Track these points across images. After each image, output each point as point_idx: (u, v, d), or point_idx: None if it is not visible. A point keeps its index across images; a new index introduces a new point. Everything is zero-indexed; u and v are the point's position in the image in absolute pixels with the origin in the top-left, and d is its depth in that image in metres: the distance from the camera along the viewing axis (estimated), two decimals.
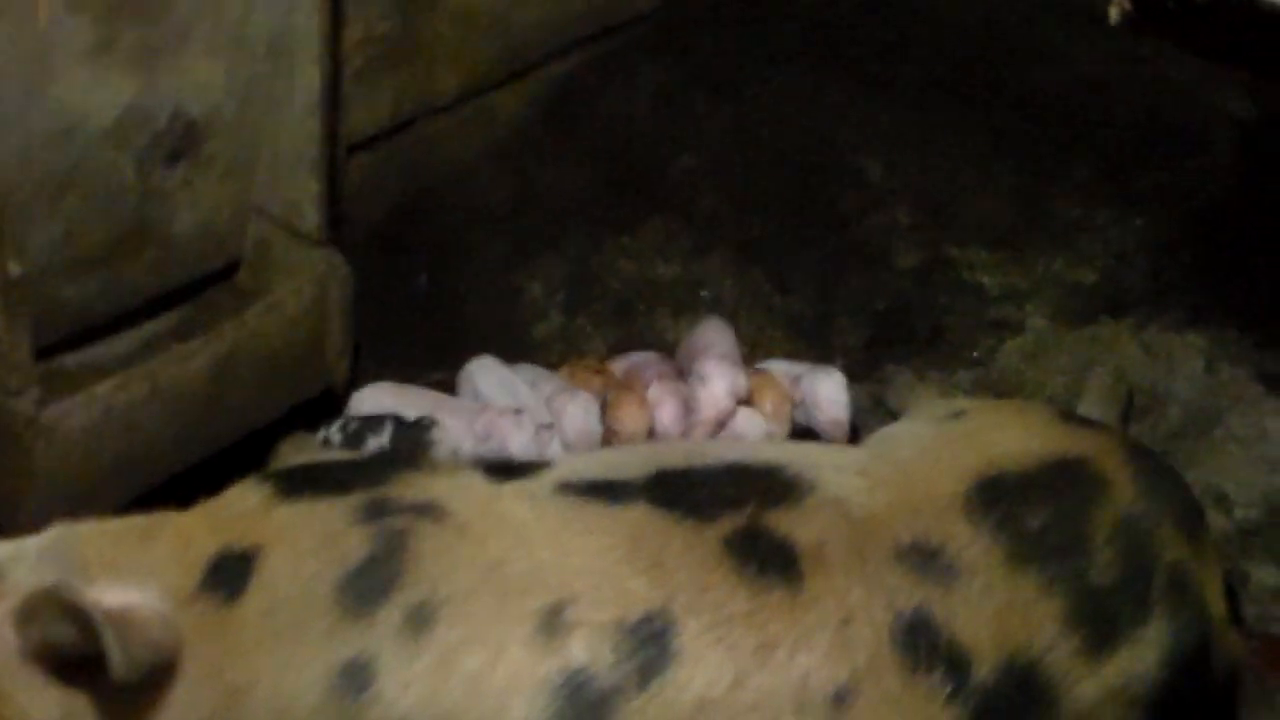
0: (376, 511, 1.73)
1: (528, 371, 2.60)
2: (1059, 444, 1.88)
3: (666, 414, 2.39)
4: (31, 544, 1.80)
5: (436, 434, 2.35)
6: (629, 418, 2.39)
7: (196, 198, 2.28)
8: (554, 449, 2.34)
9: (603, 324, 2.85)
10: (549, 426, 2.38)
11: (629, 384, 2.50)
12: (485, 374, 2.55)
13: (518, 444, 2.34)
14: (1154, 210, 2.86)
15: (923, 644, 1.64)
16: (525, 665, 1.60)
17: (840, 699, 1.60)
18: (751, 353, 2.67)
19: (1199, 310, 2.68)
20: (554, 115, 3.14)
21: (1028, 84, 3.10)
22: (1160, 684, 1.71)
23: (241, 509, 1.79)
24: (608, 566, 1.67)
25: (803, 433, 2.45)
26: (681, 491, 1.78)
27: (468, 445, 2.36)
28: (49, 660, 1.63)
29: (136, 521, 1.84)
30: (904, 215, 2.91)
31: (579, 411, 2.41)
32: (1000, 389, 2.59)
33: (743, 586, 1.66)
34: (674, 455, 1.93)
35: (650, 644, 1.61)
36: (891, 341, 2.69)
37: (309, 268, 2.37)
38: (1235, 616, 1.90)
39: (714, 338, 2.59)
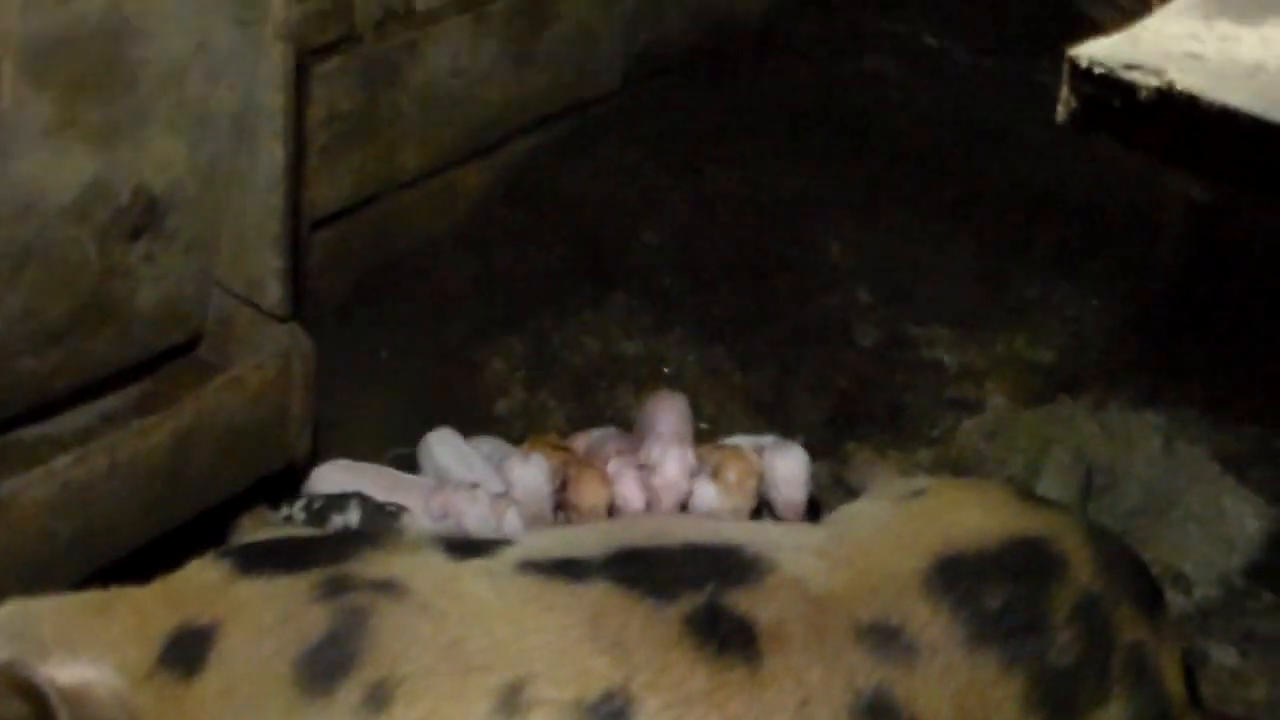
0: (336, 589, 1.73)
1: (487, 444, 2.60)
2: (1018, 523, 1.89)
3: (627, 490, 2.39)
4: None
5: (406, 520, 2.34)
6: (589, 493, 2.39)
7: (158, 273, 2.27)
8: (510, 520, 2.34)
9: (564, 400, 2.85)
10: (504, 498, 2.38)
11: (589, 460, 2.50)
12: (443, 446, 2.55)
13: (474, 519, 2.33)
14: (1110, 290, 2.89)
15: None
16: None
17: None
18: (712, 429, 2.68)
19: (1156, 390, 2.71)
20: (516, 192, 3.15)
21: (985, 166, 3.14)
22: None
23: (200, 584, 1.78)
24: (568, 645, 1.67)
25: (766, 504, 2.45)
26: (642, 570, 1.78)
27: (425, 523, 2.36)
28: None
29: (93, 597, 1.82)
30: (864, 293, 2.93)
31: (529, 473, 2.41)
32: (959, 467, 2.60)
33: (702, 665, 1.66)
34: (635, 534, 1.94)
35: None
36: (851, 419, 2.71)
37: (271, 343, 2.37)
38: (1194, 696, 1.91)
39: (664, 412, 2.59)
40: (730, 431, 2.69)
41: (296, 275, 2.47)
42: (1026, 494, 2.11)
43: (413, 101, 2.79)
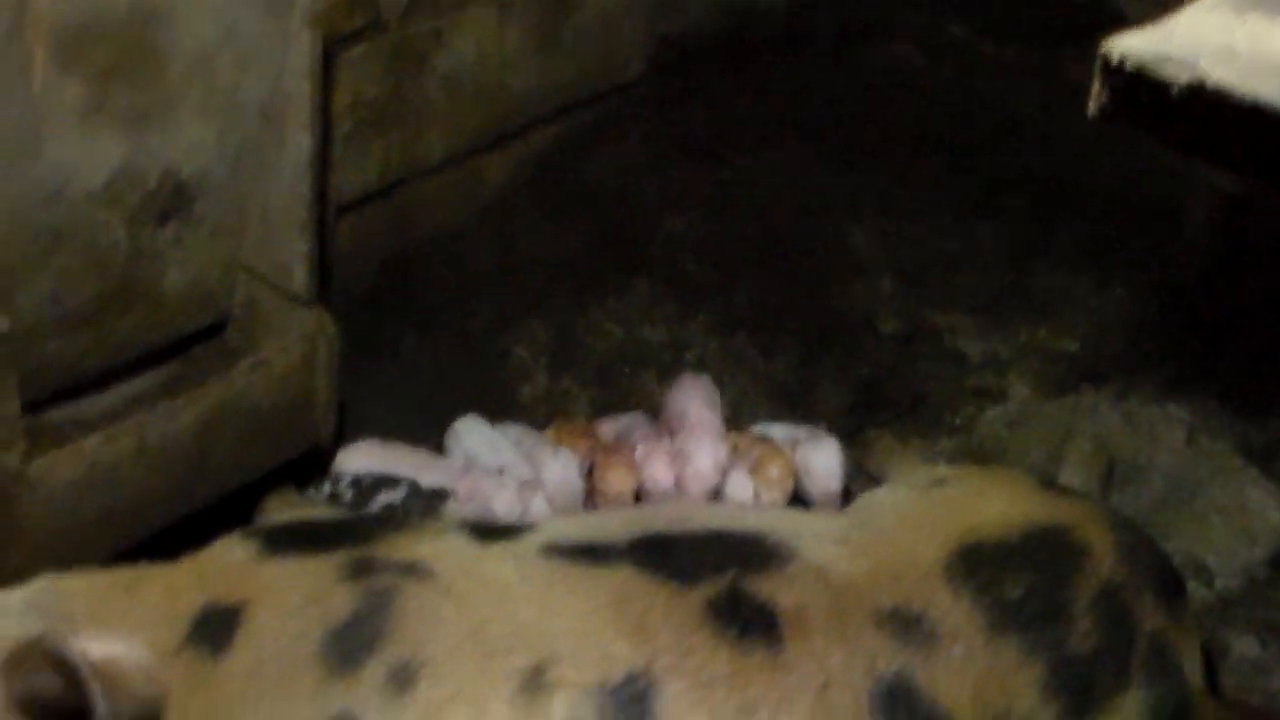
0: (362, 570, 1.74)
1: (513, 431, 2.61)
2: (1040, 512, 1.89)
3: (656, 471, 2.39)
4: (16, 595, 1.80)
5: (451, 505, 2.35)
6: (616, 480, 2.39)
7: (186, 257, 2.29)
8: (537, 507, 2.35)
9: (588, 386, 2.86)
10: (532, 484, 2.39)
11: (616, 446, 2.51)
12: (472, 433, 2.56)
13: (501, 504, 2.35)
14: (1134, 281, 2.89)
15: (902, 709, 1.65)
16: None
17: None
18: (735, 416, 2.68)
19: (1180, 381, 2.70)
20: (541, 179, 3.16)
21: (1011, 155, 3.14)
22: None
23: (227, 564, 1.80)
24: (591, 628, 1.69)
25: (795, 497, 2.46)
26: (665, 555, 1.79)
27: (451, 506, 2.37)
28: (34, 711, 1.63)
29: (122, 575, 1.85)
30: (887, 282, 2.93)
31: (560, 468, 2.41)
32: (981, 456, 2.60)
33: (724, 649, 1.67)
34: (659, 519, 1.95)
35: (632, 705, 1.62)
36: (873, 407, 2.71)
37: (297, 327, 2.38)
38: (1214, 687, 1.91)
39: (694, 398, 2.60)
40: (753, 419, 2.69)
41: (322, 260, 2.48)
42: (1049, 483, 2.11)
43: (438, 89, 2.80)
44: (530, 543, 1.83)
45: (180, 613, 1.73)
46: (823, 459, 2.43)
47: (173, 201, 2.23)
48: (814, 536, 1.86)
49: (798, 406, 2.74)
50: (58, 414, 2.19)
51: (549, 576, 1.76)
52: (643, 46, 3.24)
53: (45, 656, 1.60)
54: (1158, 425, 2.63)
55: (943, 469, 2.16)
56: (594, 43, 3.11)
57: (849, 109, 3.26)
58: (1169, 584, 1.88)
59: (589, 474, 2.45)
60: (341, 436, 2.55)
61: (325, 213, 2.56)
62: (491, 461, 2.49)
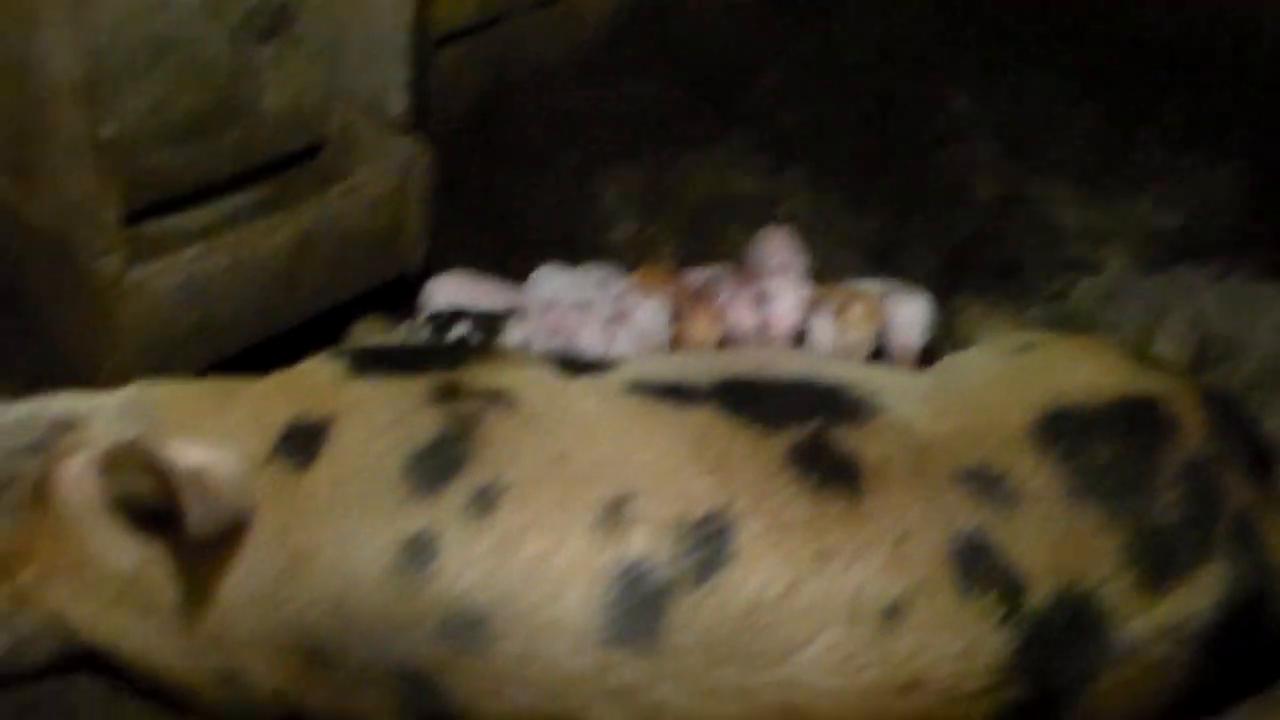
0: (448, 395, 1.76)
1: (597, 271, 2.60)
2: (1131, 383, 1.87)
3: (739, 315, 2.38)
4: (111, 399, 1.85)
5: (511, 325, 2.36)
6: (700, 328, 2.39)
7: (285, 77, 2.29)
8: (621, 344, 2.35)
9: (675, 235, 2.85)
10: (616, 320, 2.39)
11: (701, 295, 2.50)
12: (552, 278, 2.56)
13: (586, 339, 2.35)
14: (1244, 160, 2.82)
15: (979, 566, 1.65)
16: (585, 554, 1.63)
17: (893, 613, 1.62)
18: (823, 273, 2.67)
19: None
20: (640, 23, 3.12)
21: (1124, 24, 3.06)
22: (1213, 627, 1.71)
23: (317, 381, 1.82)
24: (672, 465, 1.70)
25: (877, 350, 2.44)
26: (749, 399, 1.79)
27: (537, 341, 2.38)
28: (127, 511, 1.67)
29: (214, 385, 1.89)
30: (986, 147, 2.88)
31: (648, 313, 2.41)
32: (1072, 328, 2.55)
33: (804, 495, 1.68)
34: (744, 364, 1.95)
35: (708, 543, 1.63)
36: (964, 272, 2.67)
37: (392, 154, 2.38)
38: None
39: (777, 247, 2.58)
40: (841, 277, 2.68)
41: (419, 89, 2.47)
42: (1141, 355, 2.09)
43: None
44: (615, 379, 1.84)
45: (269, 425, 1.76)
46: (909, 312, 2.41)
47: (274, 20, 2.23)
48: (899, 393, 1.85)
49: (887, 266, 2.71)
50: (155, 226, 2.22)
51: (633, 413, 1.77)
52: None
53: (141, 460, 1.63)
54: (1256, 306, 2.57)
55: (1033, 334, 2.13)
56: None
57: None
58: (1258, 463, 1.86)
59: (673, 321, 2.45)
60: (429, 267, 2.56)
61: (424, 43, 2.55)
62: (575, 297, 2.49)
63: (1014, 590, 1.65)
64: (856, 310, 2.39)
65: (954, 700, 1.62)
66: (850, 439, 1.74)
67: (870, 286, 2.51)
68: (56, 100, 1.92)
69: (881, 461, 1.72)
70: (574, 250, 2.70)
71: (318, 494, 1.69)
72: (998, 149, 2.88)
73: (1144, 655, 1.68)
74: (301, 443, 1.73)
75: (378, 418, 1.74)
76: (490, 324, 2.36)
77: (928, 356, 2.40)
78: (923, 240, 2.75)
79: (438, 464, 1.69)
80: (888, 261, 2.72)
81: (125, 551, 1.69)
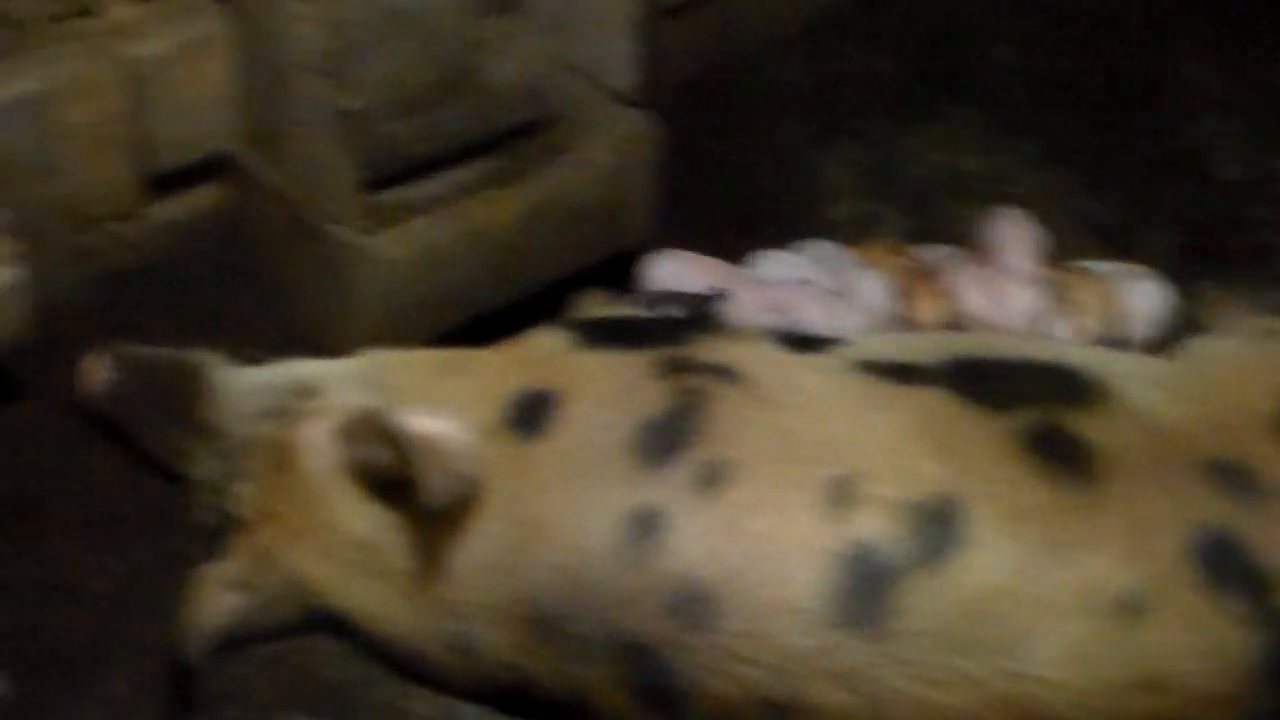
0: (676, 368, 1.77)
1: (820, 248, 2.58)
2: None
3: (968, 303, 2.34)
4: (349, 366, 1.90)
5: (725, 305, 2.35)
6: (928, 307, 2.35)
7: (516, 49, 2.31)
8: (845, 319, 2.32)
9: (900, 212, 2.81)
10: (838, 296, 2.36)
11: (928, 274, 2.46)
12: (772, 260, 2.55)
13: (810, 316, 2.33)
14: None
15: (1224, 562, 1.59)
16: (811, 533, 1.61)
17: (1130, 606, 1.57)
18: (1054, 254, 2.60)
19: None
20: None
21: None
22: None
23: (545, 352, 1.84)
24: (900, 445, 1.67)
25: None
26: (979, 380, 1.76)
27: (760, 318, 2.36)
28: (363, 477, 1.71)
29: (445, 354, 1.92)
30: (1229, 124, 2.78)
31: (872, 288, 2.38)
32: None
33: (1037, 481, 1.64)
34: (973, 345, 1.92)
35: (938, 525, 1.60)
36: (1204, 255, 2.58)
37: (620, 128, 2.39)
38: None
39: (1011, 234, 2.52)
40: (1071, 259, 2.60)
41: (646, 63, 2.47)
42: None
43: None
44: (842, 356, 1.82)
45: (499, 395, 1.78)
46: (1144, 298, 2.33)
47: None
48: (1136, 377, 1.80)
49: (1121, 249, 2.63)
50: (389, 196, 2.26)
51: (860, 391, 1.75)
52: None
53: (378, 429, 1.66)
54: None
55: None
56: None
57: None
58: None
59: (898, 299, 2.41)
60: (654, 240, 2.56)
61: (651, 15, 2.55)
62: (793, 274, 2.47)
63: (1262, 589, 1.58)
64: (1080, 297, 2.33)
65: (1197, 701, 1.57)
66: (1085, 423, 1.70)
67: (1104, 269, 2.44)
68: (301, 71, 1.97)
69: (1119, 448, 1.67)
70: (795, 227, 2.68)
71: (547, 464, 1.71)
72: (1240, 126, 2.77)
73: None
74: (531, 413, 1.74)
75: (605, 390, 1.75)
76: (709, 302, 2.35)
77: (1165, 343, 2.33)
78: (1159, 222, 2.66)
79: (665, 438, 1.69)
80: (1121, 243, 2.65)
81: (360, 517, 1.73)
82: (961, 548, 1.59)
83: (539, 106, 2.43)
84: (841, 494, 1.63)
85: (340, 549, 1.73)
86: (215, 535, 1.85)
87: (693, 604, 1.61)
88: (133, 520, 1.88)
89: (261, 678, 1.75)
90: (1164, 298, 2.34)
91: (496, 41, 2.28)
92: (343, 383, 1.85)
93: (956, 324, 2.35)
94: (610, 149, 2.38)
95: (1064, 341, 2.24)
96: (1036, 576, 1.58)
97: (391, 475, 1.67)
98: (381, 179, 2.20)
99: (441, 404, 1.76)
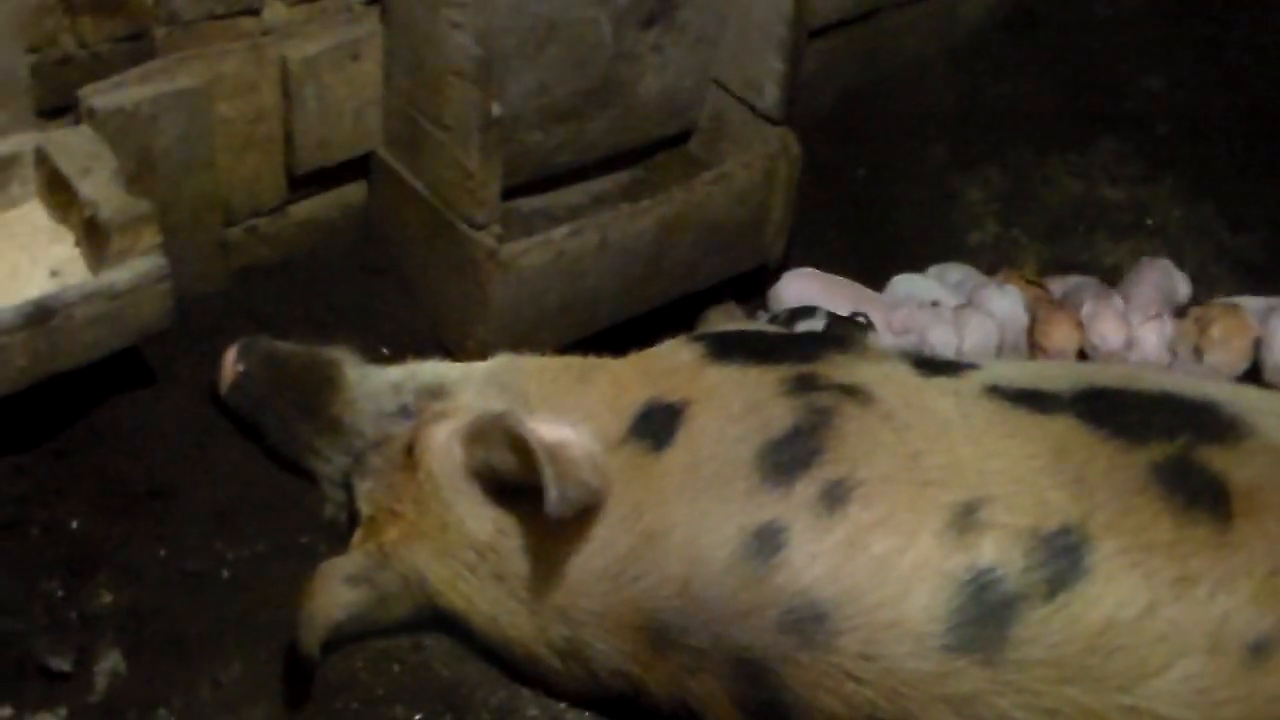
0: (804, 386, 1.76)
1: (958, 271, 2.57)
2: None
3: (1103, 333, 2.31)
4: (479, 370, 1.92)
5: (870, 335, 2.35)
6: (1060, 335, 2.34)
7: (664, 63, 2.34)
8: (974, 334, 2.30)
9: (1038, 239, 2.79)
10: (967, 311, 2.35)
11: (1062, 302, 2.44)
12: (906, 283, 2.55)
13: (937, 336, 2.32)
14: None
15: None
16: (934, 556, 1.60)
17: (1259, 648, 1.53)
18: (1194, 289, 2.56)
19: None
20: (1015, 22, 3.07)
21: None
22: None
23: (674, 364, 1.85)
24: (1028, 473, 1.65)
25: (1251, 372, 2.34)
26: (1112, 411, 1.73)
27: (886, 339, 2.36)
28: (488, 481, 1.73)
29: (574, 362, 1.93)
30: None
31: (1006, 301, 2.37)
32: None
33: (1167, 515, 1.61)
34: (1106, 375, 1.89)
35: (1063, 556, 1.58)
36: None
37: (762, 144, 2.40)
38: None
39: (1156, 273, 2.50)
40: (1212, 293, 2.57)
41: (792, 81, 2.48)
42: None
43: None
44: (973, 381, 1.81)
45: (627, 405, 1.79)
46: None
47: (659, 6, 2.27)
48: (1276, 414, 1.75)
49: (1263, 284, 2.58)
50: (527, 204, 2.30)
51: (989, 417, 1.73)
52: None
53: (506, 434, 1.67)
54: None
55: None
56: None
57: None
58: None
59: (1030, 326, 2.40)
60: (787, 259, 2.57)
61: (800, 34, 2.55)
62: (926, 298, 2.47)
63: None
64: (1216, 331, 2.29)
65: None
66: (1220, 459, 1.66)
67: (1248, 304, 2.40)
68: (453, 77, 2.00)
69: (1253, 486, 1.63)
70: (931, 251, 2.67)
71: (671, 476, 1.71)
72: None
73: None
74: (658, 424, 1.75)
75: (734, 404, 1.75)
76: (843, 321, 2.35)
77: None
78: None
79: (791, 455, 1.68)
80: (1266, 277, 2.60)
81: (482, 520, 1.74)
82: (1086, 579, 1.57)
83: (682, 120, 2.45)
84: (966, 519, 1.61)
85: (460, 550, 1.74)
86: (338, 530, 1.88)
87: (809, 622, 1.60)
88: (257, 511, 1.91)
89: (373, 672, 1.77)
90: None
91: (646, 54, 2.31)
92: (473, 386, 1.87)
93: (1087, 355, 2.32)
94: (750, 166, 2.39)
95: (1203, 376, 2.20)
96: (1162, 612, 1.55)
97: (515, 480, 1.68)
98: (522, 186, 2.23)
99: (569, 412, 1.77)
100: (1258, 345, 2.31)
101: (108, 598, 1.79)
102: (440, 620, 1.79)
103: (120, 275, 1.82)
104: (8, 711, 1.67)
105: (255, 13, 2.03)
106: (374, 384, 1.93)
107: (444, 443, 1.78)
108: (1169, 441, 1.68)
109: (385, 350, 2.12)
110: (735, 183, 2.35)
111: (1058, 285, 2.56)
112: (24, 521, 1.82)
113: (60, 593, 1.78)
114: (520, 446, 1.65)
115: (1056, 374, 1.87)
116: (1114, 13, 3.03)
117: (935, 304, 2.42)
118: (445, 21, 1.97)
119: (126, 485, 1.89)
